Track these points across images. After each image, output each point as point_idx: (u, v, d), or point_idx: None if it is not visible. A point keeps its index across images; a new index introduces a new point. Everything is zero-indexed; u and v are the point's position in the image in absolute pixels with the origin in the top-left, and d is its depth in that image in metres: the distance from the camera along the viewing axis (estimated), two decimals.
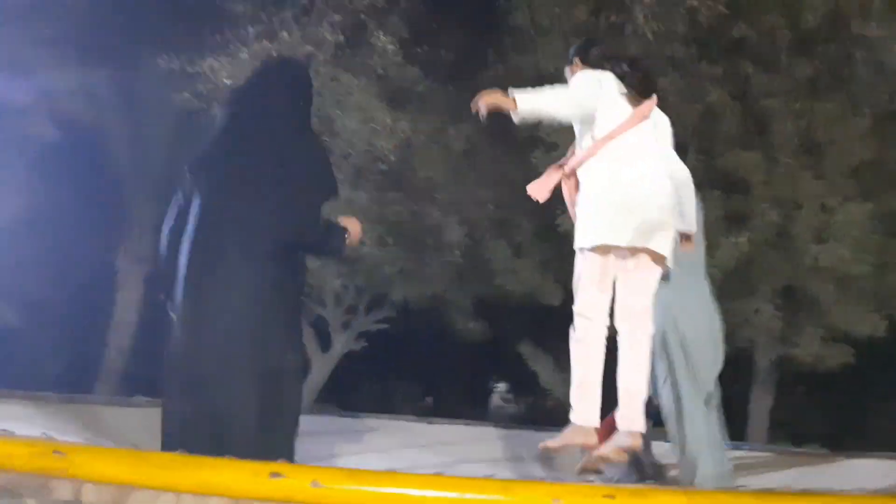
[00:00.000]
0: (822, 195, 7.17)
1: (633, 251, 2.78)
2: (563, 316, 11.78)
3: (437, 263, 10.51)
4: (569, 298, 10.38)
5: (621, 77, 2.93)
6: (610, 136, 2.83)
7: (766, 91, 8.08)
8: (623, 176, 2.77)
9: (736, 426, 12.05)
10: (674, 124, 9.12)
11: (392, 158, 9.35)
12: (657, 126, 3.05)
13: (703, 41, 8.90)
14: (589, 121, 2.89)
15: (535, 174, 9.08)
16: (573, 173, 2.92)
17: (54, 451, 0.92)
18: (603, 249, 2.78)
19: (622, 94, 2.91)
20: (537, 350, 11.47)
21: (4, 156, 12.09)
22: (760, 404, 9.48)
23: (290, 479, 0.95)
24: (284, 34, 9.02)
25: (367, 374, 13.70)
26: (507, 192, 10.28)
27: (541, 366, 11.60)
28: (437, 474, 1.04)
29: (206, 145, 2.53)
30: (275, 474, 0.94)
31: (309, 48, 9.30)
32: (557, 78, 9.84)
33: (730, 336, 8.42)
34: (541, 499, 0.97)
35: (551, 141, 8.32)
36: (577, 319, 2.94)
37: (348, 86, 9.27)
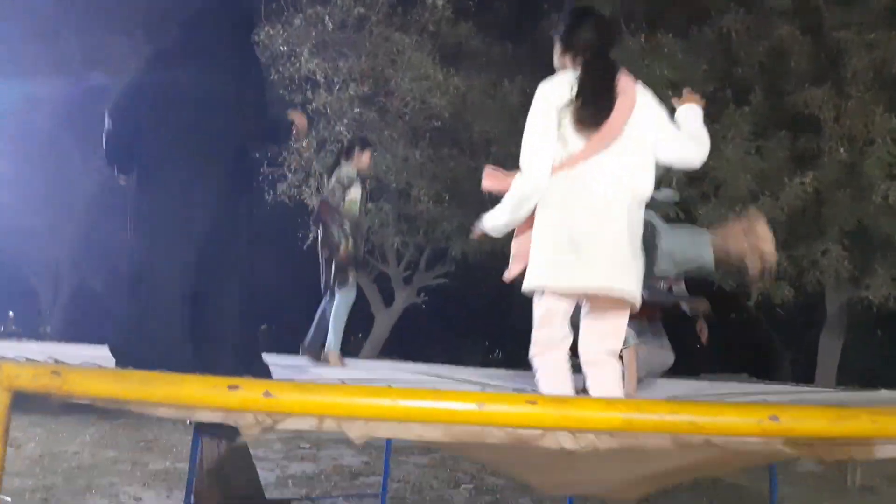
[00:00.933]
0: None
1: (585, 295, 2.35)
2: None
3: None
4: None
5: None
6: (562, 166, 2.29)
7: (839, 23, 7.62)
8: (571, 211, 2.26)
9: (805, 370, 11.74)
10: (740, 63, 8.68)
11: (446, 115, 9.37)
12: (633, 139, 2.31)
13: None
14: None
15: None
16: None
17: (52, 372, 1.08)
18: (544, 291, 2.32)
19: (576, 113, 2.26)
20: None
21: (82, 133, 12.91)
22: (829, 348, 9.20)
23: (245, 390, 1.07)
24: None
25: (430, 328, 14.01)
26: None
27: None
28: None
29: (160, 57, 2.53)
30: (232, 387, 1.07)
31: (361, 10, 9.37)
32: (613, 23, 9.45)
33: (797, 279, 8.23)
34: (468, 404, 1.05)
35: None
36: (532, 359, 2.42)
37: (400, 45, 9.31)
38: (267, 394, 1.07)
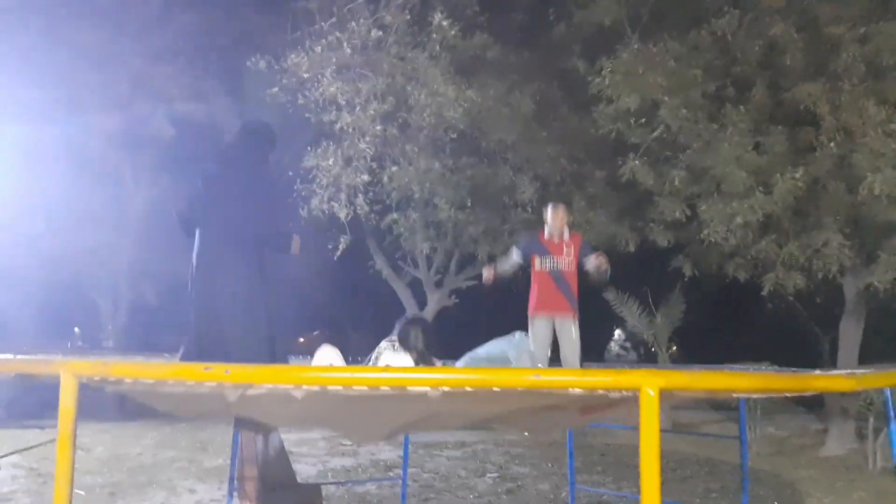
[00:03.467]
0: (886, 121, 7.00)
1: None
2: (639, 261, 12.03)
3: (517, 220, 11.05)
4: (644, 244, 10.53)
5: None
6: None
7: (831, 19, 7.88)
8: None
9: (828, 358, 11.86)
10: (738, 62, 8.92)
11: (461, 127, 9.87)
12: None
13: None
14: None
15: (599, 128, 9.29)
16: None
17: (103, 363, 1.65)
18: None
19: None
20: (621, 296, 11.81)
21: (132, 155, 13.90)
22: (849, 333, 9.41)
23: (214, 370, 1.64)
24: (353, 24, 9.70)
25: (462, 328, 14.56)
26: (578, 146, 10.61)
27: (627, 310, 11.93)
28: None
29: (207, 184, 3.77)
30: (207, 368, 1.64)
31: (378, 32, 9.95)
32: (613, 31, 9.80)
33: (806, 269, 8.49)
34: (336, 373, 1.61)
35: (609, 95, 8.56)
36: None
37: (415, 63, 9.86)
38: (227, 372, 1.65)
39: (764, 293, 8.90)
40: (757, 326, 19.35)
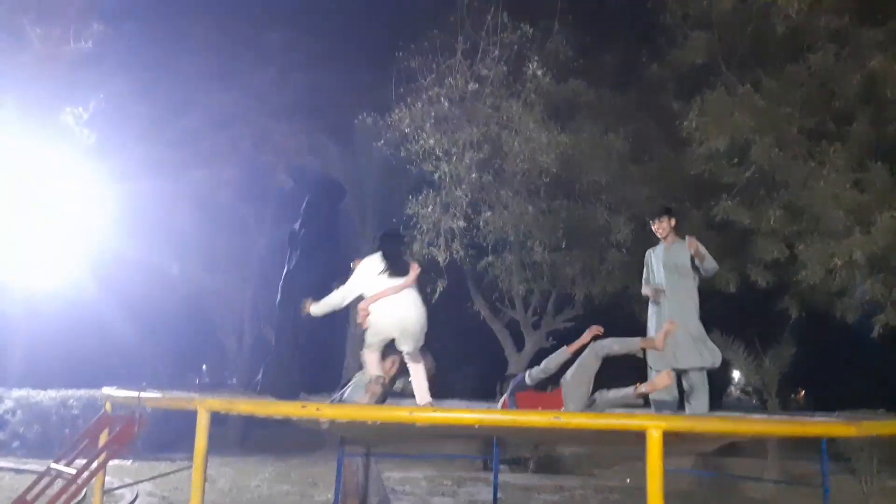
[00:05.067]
0: None
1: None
2: (742, 302, 11.70)
3: (614, 260, 11.12)
4: (746, 284, 10.28)
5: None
6: (379, 296, 4.52)
7: None
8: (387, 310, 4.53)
9: None
10: (836, 97, 8.76)
11: (554, 171, 10.15)
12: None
13: (863, 5, 8.54)
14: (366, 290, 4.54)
15: (692, 168, 9.27)
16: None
17: (228, 402, 2.14)
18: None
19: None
20: (725, 338, 11.46)
21: (255, 205, 15.18)
22: None
23: (308, 408, 2.06)
24: (449, 79, 10.30)
25: (559, 370, 14.56)
26: (673, 184, 10.59)
27: (732, 353, 11.54)
28: None
29: (297, 232, 4.78)
30: (303, 406, 2.07)
31: (474, 85, 10.49)
32: (708, 68, 9.77)
33: None
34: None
35: (703, 137, 8.61)
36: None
37: (509, 111, 10.29)
38: (318, 409, 2.07)
39: (874, 335, 8.51)
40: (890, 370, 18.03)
